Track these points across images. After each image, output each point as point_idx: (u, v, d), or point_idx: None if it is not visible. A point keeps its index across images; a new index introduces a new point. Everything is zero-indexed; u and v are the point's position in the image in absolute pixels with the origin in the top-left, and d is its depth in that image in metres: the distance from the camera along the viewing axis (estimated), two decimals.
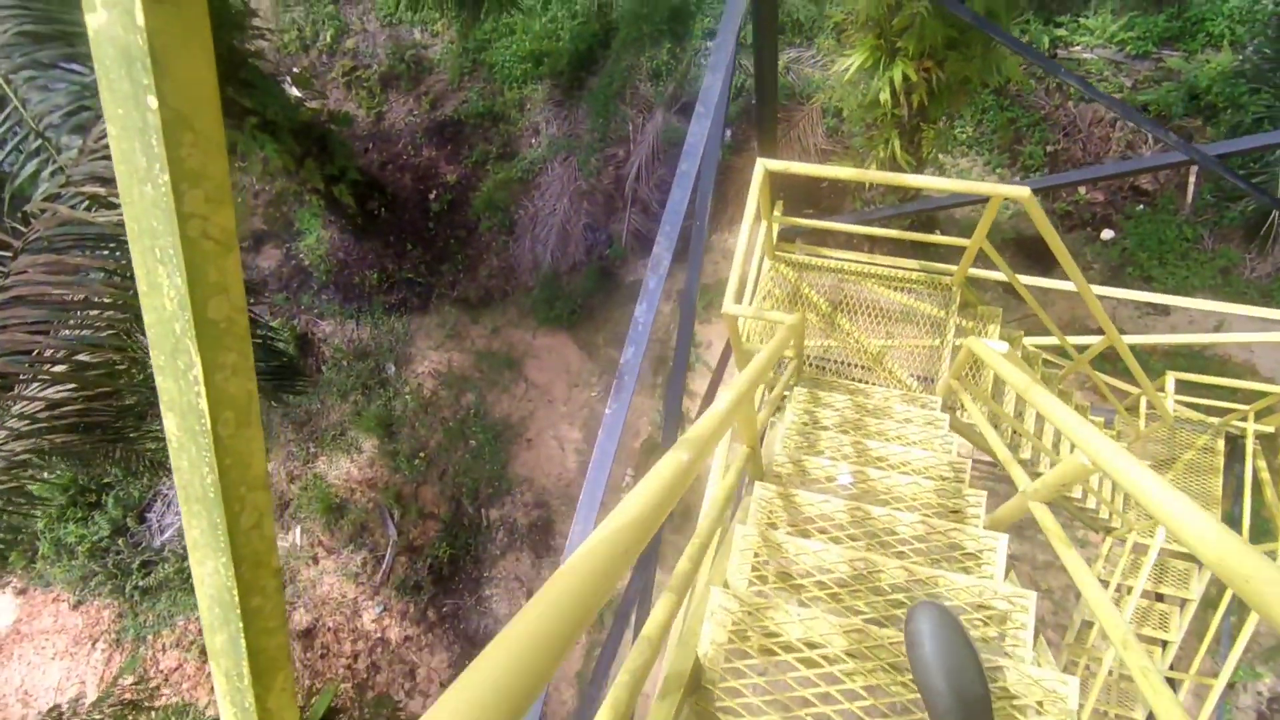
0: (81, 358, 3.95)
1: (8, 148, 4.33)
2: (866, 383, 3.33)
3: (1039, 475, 1.88)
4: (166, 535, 9.05)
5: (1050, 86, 9.16)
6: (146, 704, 4.34)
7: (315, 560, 8.91)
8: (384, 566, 8.67)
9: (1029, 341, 4.21)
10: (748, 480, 2.25)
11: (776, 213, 3.39)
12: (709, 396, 5.10)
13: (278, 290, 10.40)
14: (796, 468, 2.35)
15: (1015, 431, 3.43)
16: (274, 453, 9.53)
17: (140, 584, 8.68)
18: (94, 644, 8.60)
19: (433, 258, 9.96)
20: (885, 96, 6.18)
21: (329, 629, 8.54)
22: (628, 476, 8.42)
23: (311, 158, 8.58)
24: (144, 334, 5.17)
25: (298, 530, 9.07)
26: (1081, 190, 8.74)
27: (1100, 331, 3.16)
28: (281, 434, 9.58)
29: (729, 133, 9.51)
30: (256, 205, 11.04)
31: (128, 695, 4.38)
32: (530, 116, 10.17)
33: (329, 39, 11.44)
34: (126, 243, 3.86)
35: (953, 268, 3.32)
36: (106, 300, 3.74)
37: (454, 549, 8.48)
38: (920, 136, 6.91)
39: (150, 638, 8.64)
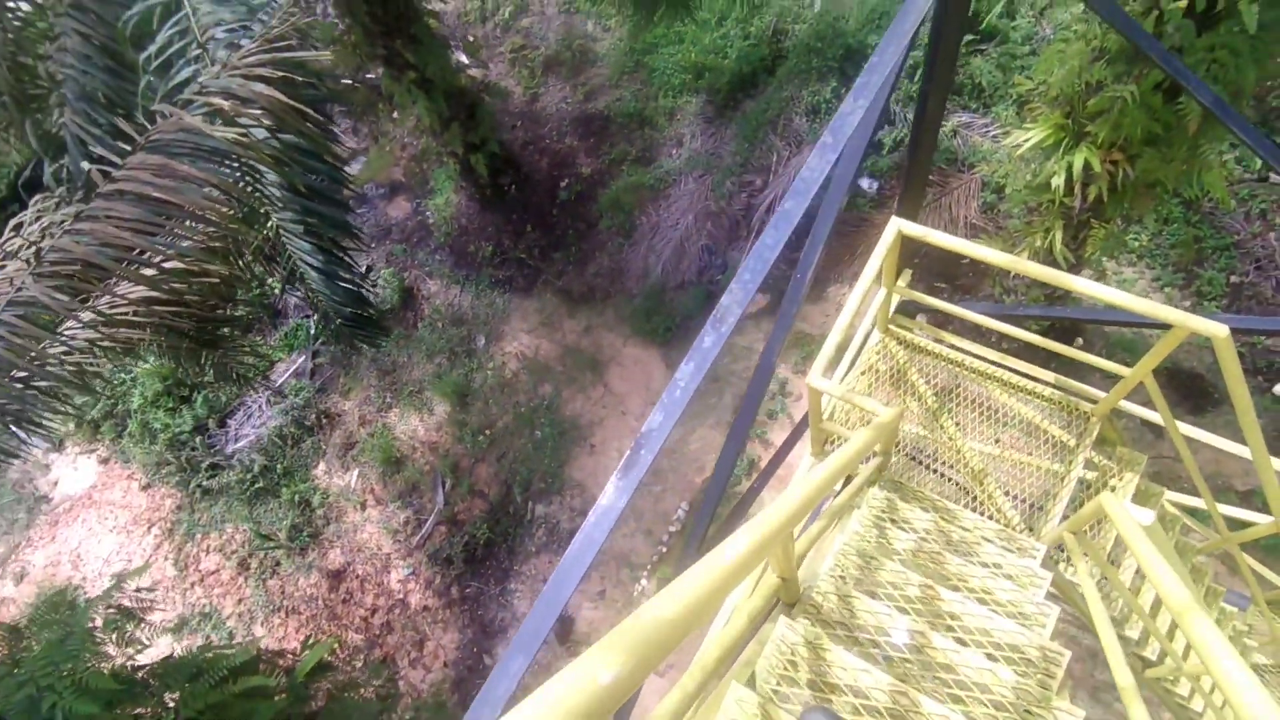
0: (172, 264, 3.99)
1: (170, 50, 4.46)
2: (959, 501, 2.86)
3: (1143, 659, 1.42)
4: (240, 444, 9.42)
5: (1253, 211, 8.13)
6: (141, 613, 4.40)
7: (364, 506, 9.03)
8: (424, 531, 8.68)
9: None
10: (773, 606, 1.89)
11: (901, 282, 2.99)
12: (781, 455, 4.67)
13: (399, 241, 10.69)
14: (842, 604, 1.94)
15: (1127, 605, 2.86)
16: (355, 393, 9.76)
17: (204, 484, 9.05)
18: (150, 528, 9.04)
19: (548, 244, 9.95)
20: (1058, 182, 5.56)
21: (358, 576, 8.61)
22: (680, 510, 8.05)
23: (458, 122, 8.73)
24: (253, 255, 5.27)
25: (355, 473, 9.23)
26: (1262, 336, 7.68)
27: (1264, 509, 2.58)
28: (366, 377, 9.81)
29: (875, 185, 8.99)
30: (401, 157, 11.41)
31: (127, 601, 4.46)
32: (677, 127, 10.01)
33: (507, 15, 11.70)
34: (238, 161, 3.83)
35: (1097, 393, 2.80)
36: (210, 215, 3.74)
37: (493, 533, 8.37)
38: (1087, 234, 6.21)
39: (199, 536, 9.00)
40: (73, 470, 9.92)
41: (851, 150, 2.43)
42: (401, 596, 8.42)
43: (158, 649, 8.37)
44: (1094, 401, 2.84)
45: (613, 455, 8.51)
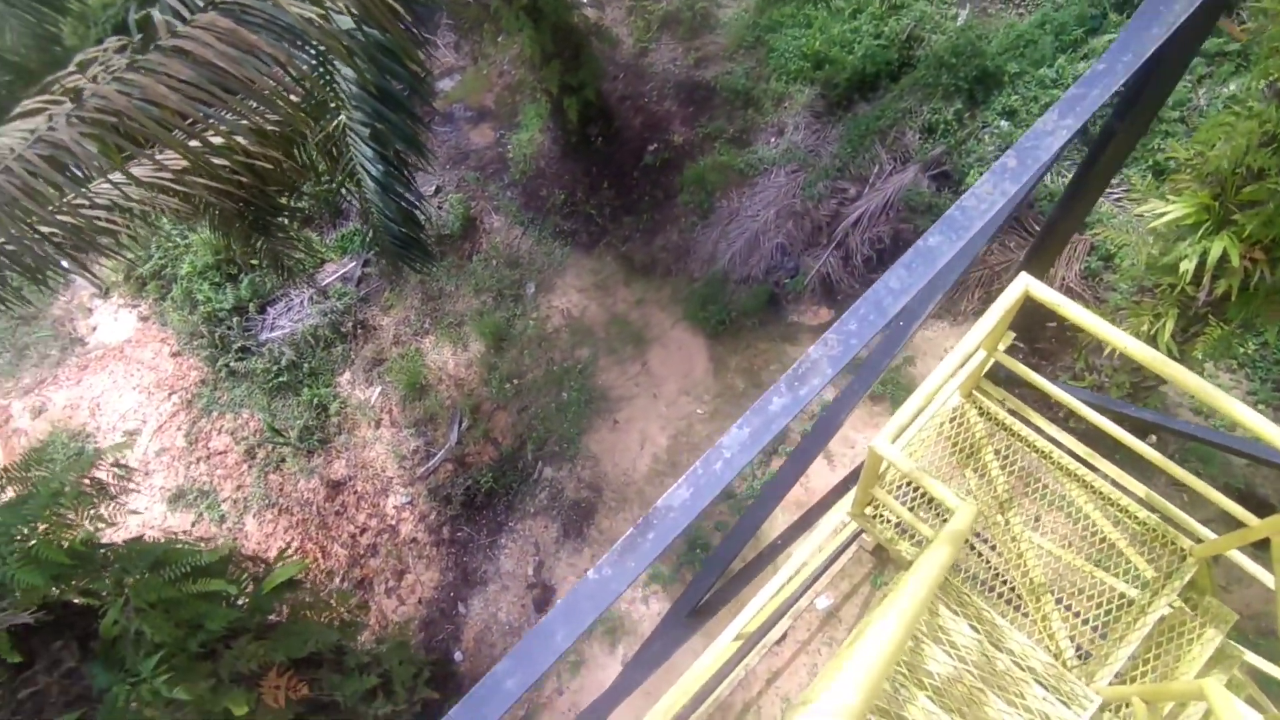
0: (220, 141, 3.75)
1: None
2: (1006, 607, 2.46)
3: None
4: (274, 334, 9.37)
5: None
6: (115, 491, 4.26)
7: (378, 425, 8.93)
8: (430, 464, 8.53)
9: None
10: None
11: (1002, 345, 2.57)
12: (814, 515, 4.18)
13: (474, 169, 10.44)
14: None
15: None
16: (395, 310, 9.62)
17: (231, 364, 9.04)
18: (171, 394, 9.09)
19: (621, 205, 9.58)
20: (1187, 268, 4.96)
21: (356, 492, 8.54)
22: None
23: (560, 60, 8.36)
24: (316, 149, 5.03)
25: (378, 390, 9.12)
26: None
27: None
28: (410, 298, 9.65)
29: None
30: (496, 84, 11.11)
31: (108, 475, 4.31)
32: (782, 115, 9.47)
33: None
34: (309, 44, 3.52)
35: (1206, 533, 2.37)
36: (273, 97, 3.47)
37: (496, 484, 8.18)
38: (1200, 330, 5.60)
39: (215, 414, 9.02)
40: (113, 320, 10.03)
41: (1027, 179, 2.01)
42: (394, 523, 8.31)
43: (151, 515, 8.46)
44: (1198, 539, 2.40)
45: (634, 437, 8.22)
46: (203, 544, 4.63)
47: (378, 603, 7.84)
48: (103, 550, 3.98)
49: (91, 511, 4.00)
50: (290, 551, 7.65)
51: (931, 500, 2.50)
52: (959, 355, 1.88)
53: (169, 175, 3.90)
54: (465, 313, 9.34)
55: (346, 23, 3.80)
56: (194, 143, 3.50)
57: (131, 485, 6.45)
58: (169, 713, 3.58)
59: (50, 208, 3.41)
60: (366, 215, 4.54)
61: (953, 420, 2.72)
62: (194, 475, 8.67)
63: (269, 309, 9.56)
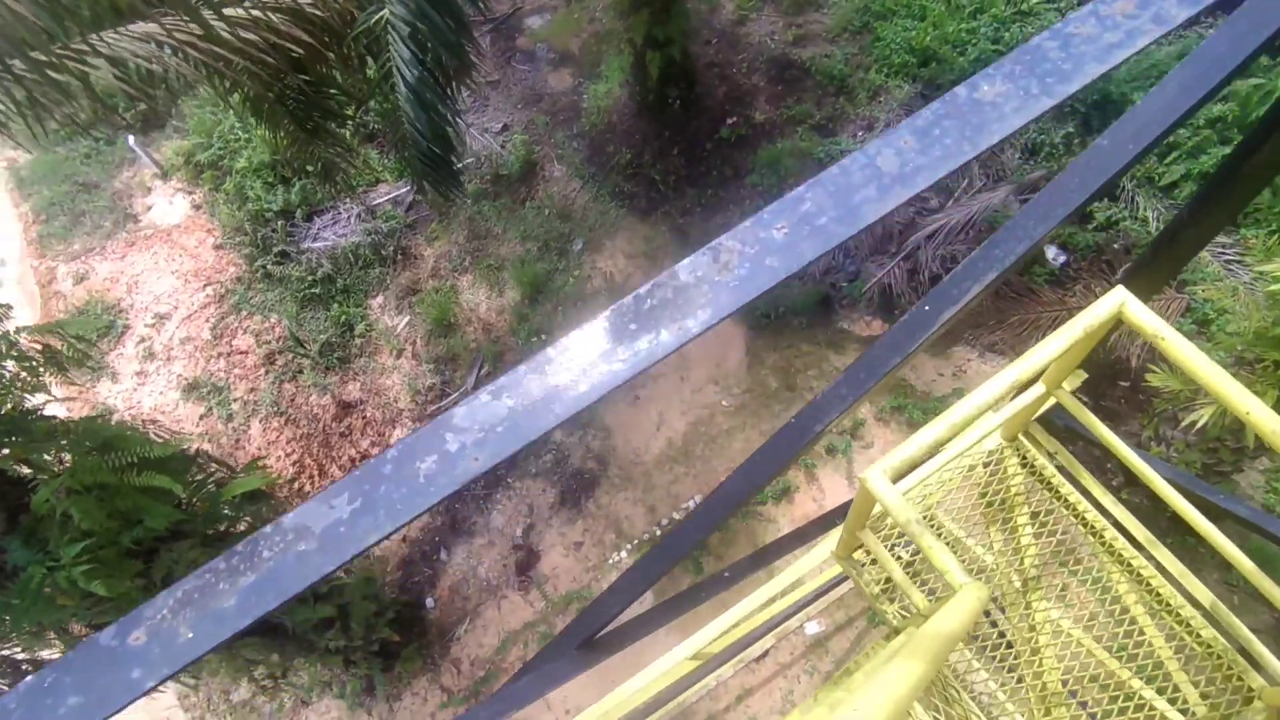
0: (234, 13, 3.43)
1: None
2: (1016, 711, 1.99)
3: None
4: (316, 245, 9.24)
5: None
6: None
7: (399, 354, 8.74)
8: (442, 404, 8.31)
9: None
10: None
11: (1069, 385, 2.07)
12: (815, 527, 3.62)
13: (546, 113, 10.06)
14: None
15: None
16: (440, 242, 9.38)
17: (268, 266, 8.94)
18: (205, 285, 9.06)
19: (687, 175, 9.10)
20: None
21: (364, 417, 8.38)
22: (692, 500, 7.32)
23: (649, 10, 7.87)
24: (354, 43, 4.69)
25: (406, 319, 8.92)
26: None
27: None
28: (456, 232, 9.39)
29: (1064, 258, 7.65)
30: (585, 30, 10.67)
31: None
32: (875, 109, 8.82)
33: None
34: None
35: (1278, 666, 1.86)
36: None
37: None
38: None
39: (244, 313, 8.95)
40: (168, 203, 10.05)
41: (1103, 163, 1.53)
42: None
43: (165, 400, 8.45)
44: (1275, 680, 1.90)
45: (650, 416, 7.82)
46: (169, 438, 4.41)
47: None
48: (51, 422, 3.80)
49: (34, 382, 3.80)
50: (279, 464, 7.53)
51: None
52: (1007, 381, 1.42)
53: (180, 38, 3.60)
54: (508, 258, 9.03)
55: None
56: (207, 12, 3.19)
57: (90, 363, 6.30)
58: (85, 605, 3.40)
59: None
60: (396, 124, 4.21)
61: (987, 465, 2.23)
62: (212, 370, 8.63)
63: (316, 218, 9.42)
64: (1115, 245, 7.52)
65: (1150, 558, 2.16)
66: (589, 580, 7.13)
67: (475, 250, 9.22)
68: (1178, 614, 2.06)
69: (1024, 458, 2.27)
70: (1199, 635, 2.01)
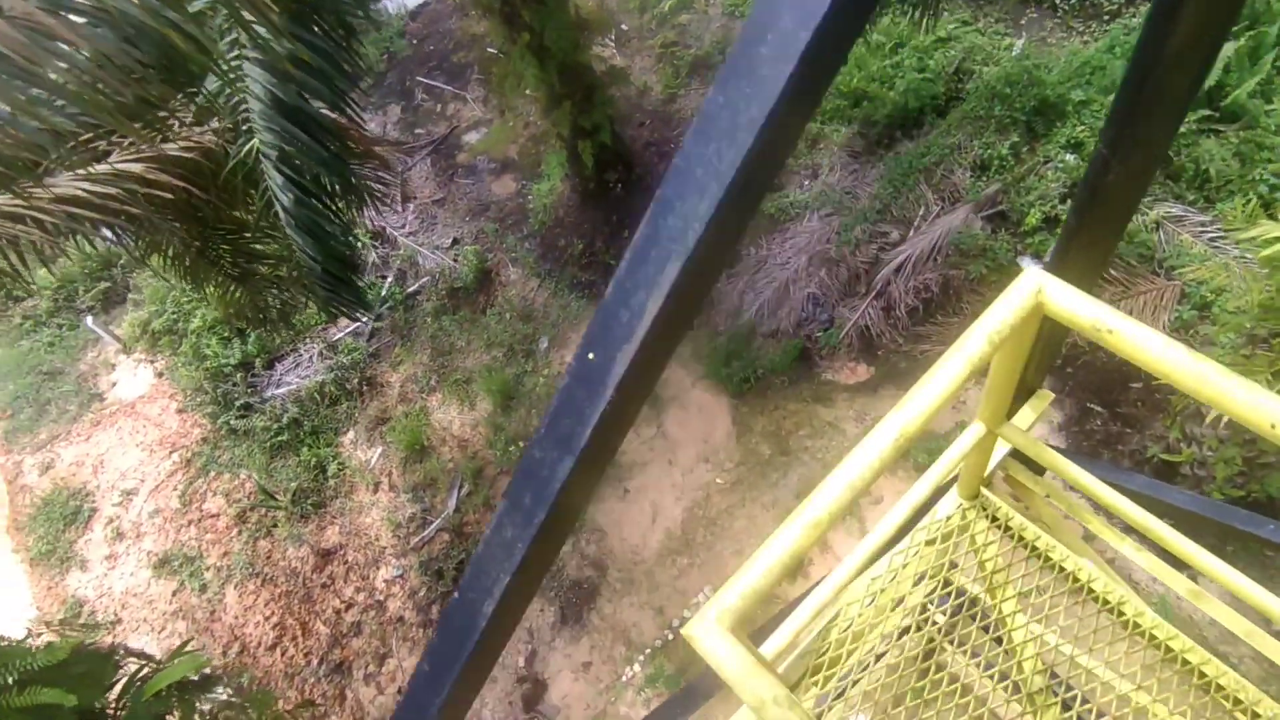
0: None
1: None
2: None
3: None
4: (280, 391, 8.98)
5: None
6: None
7: (376, 489, 8.32)
8: (425, 534, 7.82)
9: None
10: None
11: (1028, 415, 1.61)
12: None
13: (494, 220, 10.02)
14: None
15: None
16: (404, 366, 9.12)
17: (232, 423, 8.66)
18: (172, 453, 8.75)
19: None
20: None
21: (346, 562, 7.87)
22: (703, 593, 6.70)
23: (571, 102, 7.87)
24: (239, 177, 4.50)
25: (379, 451, 8.55)
26: None
27: None
28: (420, 353, 9.15)
29: (1036, 266, 7.28)
30: (521, 135, 10.79)
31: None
32: (816, 156, 8.71)
33: (667, 8, 10.86)
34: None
35: None
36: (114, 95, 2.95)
37: None
38: None
39: (213, 474, 8.60)
40: (132, 376, 9.89)
41: None
42: (382, 599, 7.57)
43: (135, 581, 7.98)
44: None
45: (645, 508, 7.31)
46: (78, 634, 3.95)
47: (354, 691, 7.04)
48: None
49: None
50: (258, 630, 6.97)
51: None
52: (933, 396, 0.97)
53: (39, 202, 3.38)
54: (474, 369, 8.74)
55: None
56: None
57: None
58: None
59: None
60: (283, 254, 3.97)
61: (947, 537, 1.73)
62: (183, 539, 8.20)
63: (277, 364, 9.21)
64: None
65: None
66: (603, 705, 6.43)
67: (441, 367, 8.95)
68: (1185, 660, 1.54)
69: (996, 518, 1.80)
70: (1217, 684, 1.49)
